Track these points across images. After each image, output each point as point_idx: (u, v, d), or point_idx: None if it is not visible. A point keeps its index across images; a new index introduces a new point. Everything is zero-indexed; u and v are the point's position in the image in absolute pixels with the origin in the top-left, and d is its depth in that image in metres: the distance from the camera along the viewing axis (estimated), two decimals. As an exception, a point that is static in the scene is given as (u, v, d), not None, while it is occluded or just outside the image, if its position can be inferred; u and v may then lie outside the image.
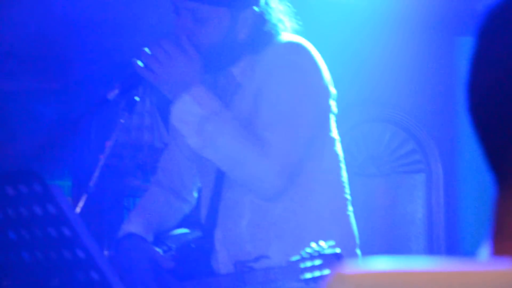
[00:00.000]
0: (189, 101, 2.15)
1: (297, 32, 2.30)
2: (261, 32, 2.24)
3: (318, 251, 2.03)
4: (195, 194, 2.52)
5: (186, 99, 2.15)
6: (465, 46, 5.22)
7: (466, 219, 4.91)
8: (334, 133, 2.33)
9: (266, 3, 2.25)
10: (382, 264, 0.71)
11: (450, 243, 4.88)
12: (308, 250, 2.05)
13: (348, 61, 5.08)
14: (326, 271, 2.00)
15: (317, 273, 2.02)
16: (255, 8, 2.21)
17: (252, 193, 2.21)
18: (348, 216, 2.33)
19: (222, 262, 2.31)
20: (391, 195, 5.15)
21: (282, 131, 2.16)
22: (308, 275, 2.03)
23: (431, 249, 4.77)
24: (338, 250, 2.03)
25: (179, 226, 2.51)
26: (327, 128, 2.30)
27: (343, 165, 2.33)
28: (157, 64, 2.14)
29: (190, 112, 2.14)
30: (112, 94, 2.10)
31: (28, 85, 4.90)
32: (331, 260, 2.01)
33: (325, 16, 4.86)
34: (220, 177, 2.32)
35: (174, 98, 2.18)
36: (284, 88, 2.20)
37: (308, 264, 2.03)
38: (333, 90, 2.29)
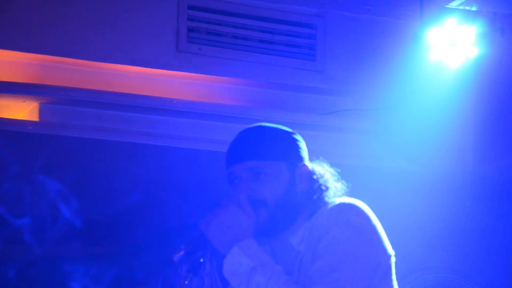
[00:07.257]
0: (238, 253, 2.22)
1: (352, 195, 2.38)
2: (318, 188, 2.37)
3: None
4: None
5: (236, 251, 2.22)
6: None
7: None
8: None
9: (318, 164, 2.42)
10: None
11: None
12: None
13: (405, 224, 5.07)
14: None
15: None
16: (307, 164, 2.38)
17: None
18: None
19: None
20: None
21: (333, 285, 2.17)
22: None
23: None
24: None
25: None
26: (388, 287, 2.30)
27: None
28: (213, 218, 2.23)
29: (239, 263, 2.21)
30: (178, 256, 2.17)
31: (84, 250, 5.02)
32: None
33: (383, 182, 4.93)
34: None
35: (225, 251, 2.25)
36: (339, 245, 2.23)
37: None
38: (391, 251, 2.33)
